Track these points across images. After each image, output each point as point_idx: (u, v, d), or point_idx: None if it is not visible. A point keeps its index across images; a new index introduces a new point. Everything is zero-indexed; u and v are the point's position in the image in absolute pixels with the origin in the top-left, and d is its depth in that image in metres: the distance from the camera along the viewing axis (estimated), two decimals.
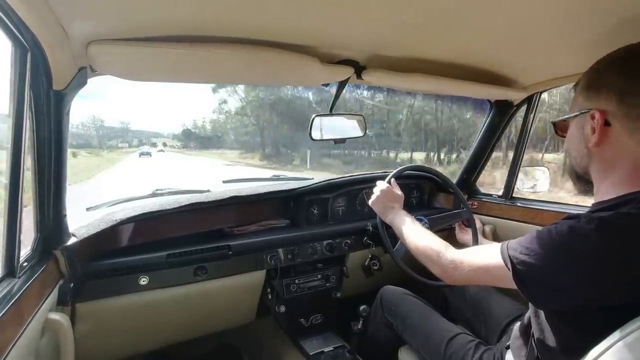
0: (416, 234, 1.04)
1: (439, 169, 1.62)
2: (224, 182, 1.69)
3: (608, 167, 0.68)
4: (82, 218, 1.10)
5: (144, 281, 1.08)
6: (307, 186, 1.47)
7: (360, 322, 1.21)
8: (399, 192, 1.24)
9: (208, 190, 1.39)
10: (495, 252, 0.72)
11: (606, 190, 0.68)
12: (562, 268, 0.61)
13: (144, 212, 1.16)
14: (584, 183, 0.76)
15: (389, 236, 1.26)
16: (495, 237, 1.62)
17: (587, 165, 0.72)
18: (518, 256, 0.66)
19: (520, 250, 0.66)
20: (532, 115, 1.53)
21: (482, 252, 0.80)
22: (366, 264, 1.42)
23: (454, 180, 1.76)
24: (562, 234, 0.62)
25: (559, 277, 0.61)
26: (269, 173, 1.86)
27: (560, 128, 0.79)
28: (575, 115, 0.72)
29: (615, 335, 0.55)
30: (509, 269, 0.67)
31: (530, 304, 0.75)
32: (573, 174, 0.78)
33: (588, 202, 0.83)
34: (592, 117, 0.67)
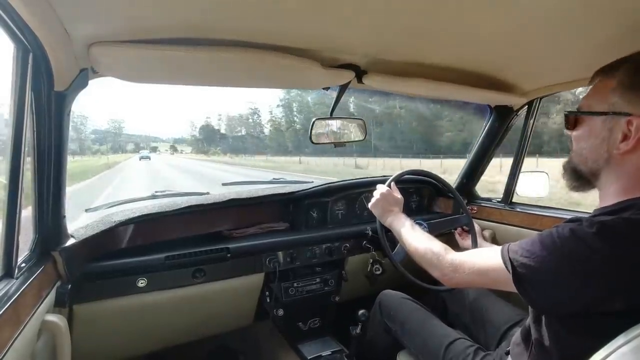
0: (415, 237, 1.03)
1: None
2: (224, 184, 1.69)
3: (623, 175, 0.65)
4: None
5: (142, 283, 1.07)
6: (306, 189, 1.47)
7: (359, 326, 1.20)
8: (398, 195, 1.24)
9: (207, 193, 1.39)
10: (496, 255, 0.72)
11: (611, 196, 0.67)
12: (562, 271, 0.61)
13: (143, 214, 1.16)
14: (582, 182, 0.73)
15: (388, 240, 1.25)
16: (495, 242, 1.62)
17: (600, 169, 0.68)
18: (518, 259, 0.66)
19: (521, 253, 0.66)
20: (532, 121, 1.54)
21: (482, 254, 0.79)
22: (369, 269, 1.42)
23: (454, 185, 1.76)
24: (563, 238, 0.62)
25: (559, 280, 0.61)
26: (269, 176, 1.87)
27: (572, 121, 0.72)
28: (603, 113, 0.66)
29: (617, 341, 0.55)
30: (509, 272, 0.67)
31: (530, 310, 0.75)
32: (572, 171, 0.74)
33: (589, 207, 0.82)
34: (629, 124, 0.61)
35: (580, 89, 1.31)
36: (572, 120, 0.72)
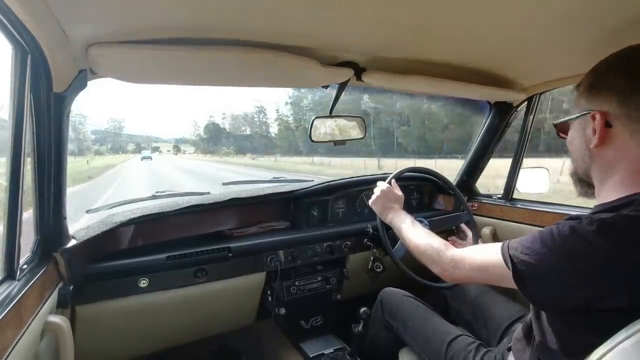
0: (416, 234, 1.03)
1: None
2: (224, 184, 1.69)
3: (609, 169, 0.68)
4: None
5: (143, 283, 1.08)
6: (307, 188, 1.47)
7: (361, 324, 1.20)
8: (399, 192, 1.24)
9: (208, 193, 1.39)
10: (496, 251, 0.72)
11: (607, 192, 0.67)
12: (562, 269, 0.61)
13: (144, 214, 1.16)
14: (585, 186, 0.76)
15: (388, 237, 1.25)
16: (495, 239, 1.62)
17: (589, 167, 0.72)
18: (519, 256, 0.66)
19: (521, 250, 0.66)
20: (531, 117, 1.53)
21: (482, 251, 0.79)
22: (369, 267, 1.42)
23: (454, 182, 1.76)
24: (563, 235, 0.62)
25: (559, 278, 0.61)
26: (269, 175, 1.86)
27: (561, 130, 0.79)
28: (577, 117, 0.72)
29: (619, 336, 0.55)
30: (509, 269, 0.67)
31: (531, 306, 0.75)
32: (575, 176, 0.78)
33: (588, 203, 0.83)
34: (593, 118, 0.67)
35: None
36: (559, 129, 0.79)
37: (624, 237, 0.57)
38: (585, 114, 0.69)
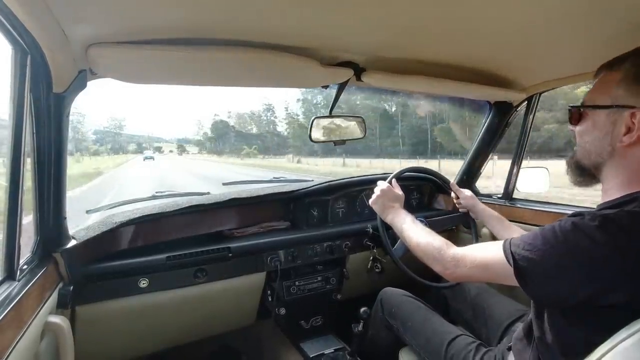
0: (417, 232, 1.03)
1: None
2: (224, 184, 1.69)
3: (625, 168, 0.66)
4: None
5: (144, 284, 1.08)
6: (307, 188, 1.47)
7: (361, 324, 1.20)
8: (399, 192, 1.24)
9: (208, 193, 1.39)
10: (498, 249, 0.72)
11: (614, 190, 0.67)
12: (564, 265, 0.61)
13: (144, 214, 1.16)
14: (586, 177, 0.74)
15: (388, 237, 1.25)
16: (495, 238, 1.61)
17: (603, 162, 0.69)
18: (520, 252, 0.66)
19: (523, 246, 0.66)
20: (531, 116, 1.54)
21: (484, 248, 0.79)
22: (369, 266, 1.42)
23: (454, 182, 1.75)
24: (565, 231, 0.62)
25: (561, 273, 0.61)
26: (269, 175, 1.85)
27: (576, 116, 0.73)
28: (607, 107, 0.66)
29: (620, 335, 0.55)
30: (510, 266, 0.67)
31: (532, 305, 0.75)
32: (576, 165, 0.75)
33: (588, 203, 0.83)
34: (632, 116, 0.62)
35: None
36: (576, 114, 0.73)
37: (627, 233, 0.57)
38: (622, 106, 0.64)
